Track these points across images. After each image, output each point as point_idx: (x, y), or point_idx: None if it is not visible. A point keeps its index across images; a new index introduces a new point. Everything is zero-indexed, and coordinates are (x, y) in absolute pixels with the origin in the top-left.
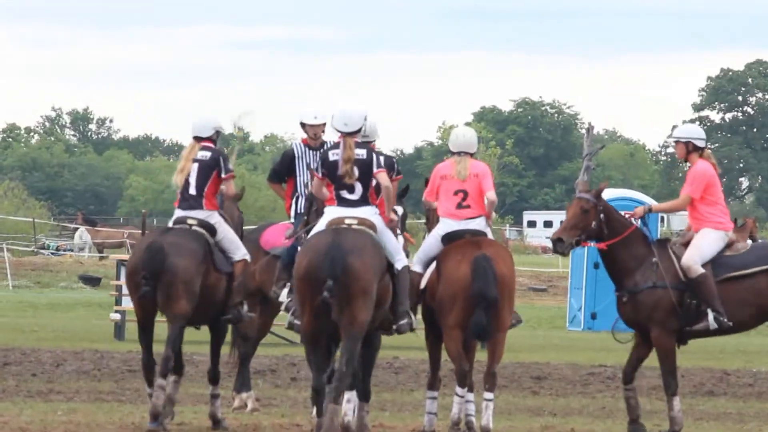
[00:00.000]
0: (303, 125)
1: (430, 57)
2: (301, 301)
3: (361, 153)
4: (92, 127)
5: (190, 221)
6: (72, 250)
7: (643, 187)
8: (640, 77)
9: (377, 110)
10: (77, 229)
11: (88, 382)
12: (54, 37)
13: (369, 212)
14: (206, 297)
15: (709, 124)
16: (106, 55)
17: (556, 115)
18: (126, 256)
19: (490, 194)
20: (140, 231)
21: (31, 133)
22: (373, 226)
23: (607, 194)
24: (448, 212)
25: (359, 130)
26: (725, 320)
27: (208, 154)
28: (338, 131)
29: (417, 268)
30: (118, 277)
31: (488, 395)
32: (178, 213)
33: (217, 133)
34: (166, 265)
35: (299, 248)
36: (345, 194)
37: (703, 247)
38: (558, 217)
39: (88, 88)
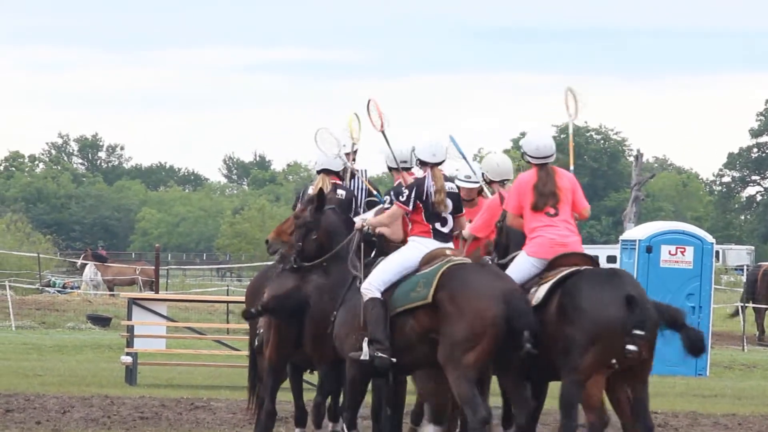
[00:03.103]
0: None
1: (462, 79)
2: (479, 342)
3: (452, 186)
4: (102, 155)
5: None
6: (78, 288)
7: (697, 219)
8: (693, 101)
9: (404, 138)
10: (85, 265)
11: (97, 430)
12: (60, 60)
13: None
14: None
15: None
16: (116, 78)
17: (602, 141)
18: (138, 294)
19: None
20: (153, 267)
21: (36, 162)
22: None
23: (659, 227)
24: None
25: (444, 161)
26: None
27: (343, 193)
28: (425, 162)
29: None
30: (129, 317)
31: None
32: None
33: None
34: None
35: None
36: (439, 227)
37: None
38: (605, 252)
39: (97, 113)
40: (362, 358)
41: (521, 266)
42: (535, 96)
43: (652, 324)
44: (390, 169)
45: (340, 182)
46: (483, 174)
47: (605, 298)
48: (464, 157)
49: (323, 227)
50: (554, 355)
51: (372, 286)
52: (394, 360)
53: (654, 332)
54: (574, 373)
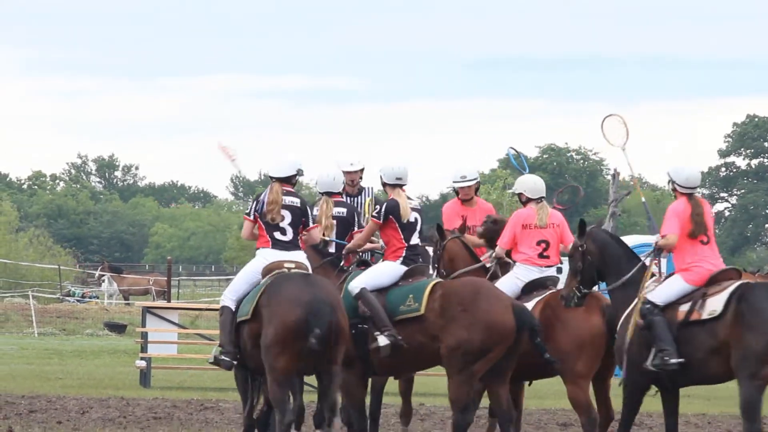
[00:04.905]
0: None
1: (454, 105)
2: (285, 347)
3: (295, 201)
4: (118, 174)
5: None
6: (97, 297)
7: None
8: (666, 123)
9: (401, 158)
10: (102, 276)
11: (113, 429)
12: (80, 88)
13: (302, 257)
14: None
15: (735, 170)
16: (132, 103)
17: (581, 161)
18: (152, 303)
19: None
20: (166, 278)
21: (57, 181)
22: (308, 269)
23: (634, 240)
24: (530, 260)
25: (289, 178)
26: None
27: (343, 210)
28: (271, 177)
29: None
30: (143, 324)
31: None
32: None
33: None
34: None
35: (267, 294)
36: (278, 236)
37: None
38: None
39: (114, 135)
40: (209, 361)
41: (675, 287)
42: (522, 120)
43: None
44: (384, 185)
45: (341, 200)
46: (520, 193)
47: None
48: (521, 171)
49: None
50: (729, 361)
51: (227, 295)
52: (234, 362)
53: None
54: (754, 379)
